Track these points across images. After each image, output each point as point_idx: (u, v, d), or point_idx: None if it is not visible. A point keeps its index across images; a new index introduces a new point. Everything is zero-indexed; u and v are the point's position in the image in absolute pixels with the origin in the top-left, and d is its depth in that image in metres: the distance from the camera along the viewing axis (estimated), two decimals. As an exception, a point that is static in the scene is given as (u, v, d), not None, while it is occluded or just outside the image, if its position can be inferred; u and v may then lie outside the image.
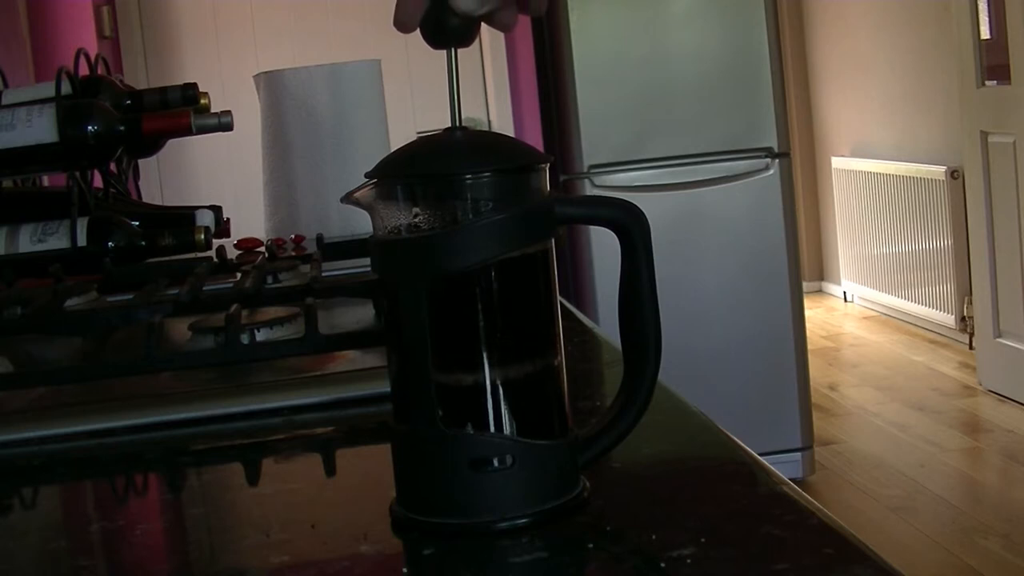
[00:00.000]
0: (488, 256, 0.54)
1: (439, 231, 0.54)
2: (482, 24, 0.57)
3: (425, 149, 0.56)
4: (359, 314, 1.08)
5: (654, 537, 0.52)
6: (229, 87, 3.66)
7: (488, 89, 4.00)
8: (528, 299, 0.56)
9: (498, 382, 0.55)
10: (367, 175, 0.55)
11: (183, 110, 1.49)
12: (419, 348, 0.54)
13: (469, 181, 0.54)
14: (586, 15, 3.28)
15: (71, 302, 1.12)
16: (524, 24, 3.84)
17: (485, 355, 0.54)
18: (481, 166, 0.54)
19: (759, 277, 3.28)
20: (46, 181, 1.80)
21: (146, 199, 1.85)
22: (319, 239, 1.38)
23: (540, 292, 0.56)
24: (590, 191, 3.25)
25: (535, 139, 3.82)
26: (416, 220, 0.54)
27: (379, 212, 0.55)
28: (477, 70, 4.02)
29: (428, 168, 0.55)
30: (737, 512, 0.55)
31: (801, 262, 3.81)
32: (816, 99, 5.67)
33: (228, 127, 1.49)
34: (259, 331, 0.91)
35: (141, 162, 1.84)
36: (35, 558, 0.59)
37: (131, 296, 1.11)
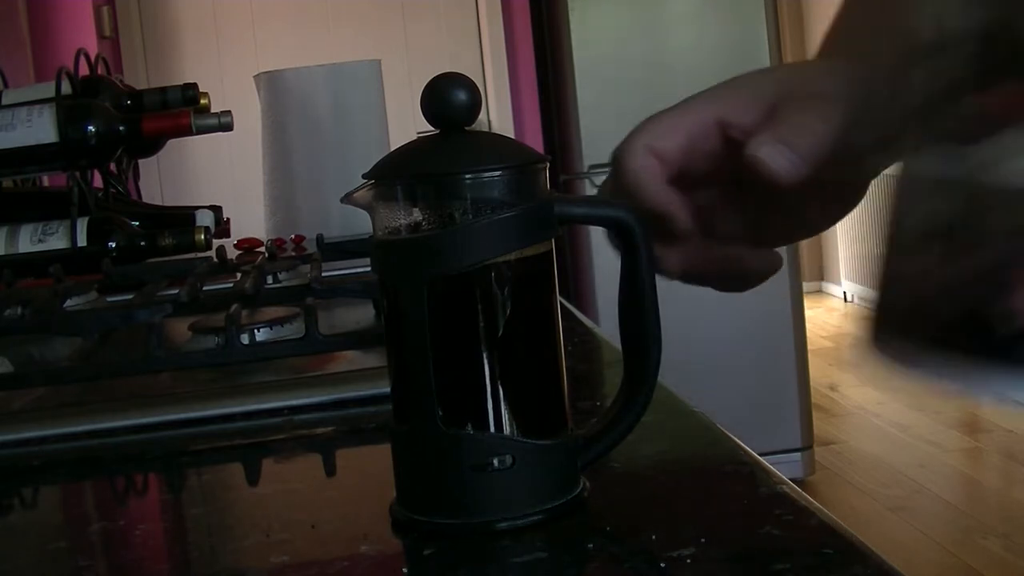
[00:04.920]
0: (488, 256, 0.54)
1: (439, 231, 0.54)
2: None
3: (424, 149, 0.56)
4: (359, 314, 1.08)
5: (654, 537, 0.52)
6: (229, 87, 3.66)
7: (488, 89, 4.00)
8: (528, 299, 0.56)
9: (498, 382, 0.55)
10: (364, 176, 0.55)
11: (183, 110, 1.49)
12: (419, 348, 0.54)
13: (468, 181, 0.54)
14: (586, 15, 3.28)
15: (71, 302, 1.12)
16: (524, 25, 3.84)
17: (485, 355, 0.54)
18: (481, 166, 0.54)
19: (759, 277, 3.28)
20: (46, 181, 1.81)
21: (146, 199, 1.86)
22: (319, 239, 1.38)
23: (540, 292, 0.56)
24: (590, 191, 3.24)
25: (535, 139, 3.82)
26: (416, 220, 0.54)
27: (379, 212, 0.55)
28: (477, 70, 4.02)
29: (427, 168, 0.55)
30: (737, 512, 0.55)
31: (801, 262, 3.81)
32: (816, 99, 5.67)
33: (228, 127, 1.49)
34: (259, 331, 0.91)
35: (141, 162, 1.84)
36: (35, 558, 0.59)
37: (131, 296, 1.11)
